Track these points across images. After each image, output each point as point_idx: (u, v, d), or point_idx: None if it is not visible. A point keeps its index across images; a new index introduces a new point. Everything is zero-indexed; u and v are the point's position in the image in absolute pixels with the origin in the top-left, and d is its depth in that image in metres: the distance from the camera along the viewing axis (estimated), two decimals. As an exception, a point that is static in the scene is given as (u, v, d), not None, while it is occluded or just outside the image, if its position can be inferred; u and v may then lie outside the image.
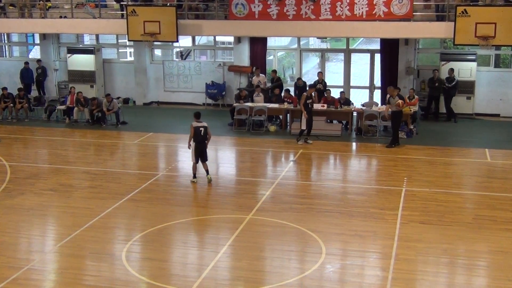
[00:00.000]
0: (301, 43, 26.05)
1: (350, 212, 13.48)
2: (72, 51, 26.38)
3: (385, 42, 23.19)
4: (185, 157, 18.62)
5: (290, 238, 12.18)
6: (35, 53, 29.61)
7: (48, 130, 21.88)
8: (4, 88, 23.75)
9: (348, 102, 21.44)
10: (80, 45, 27.64)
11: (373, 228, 12.53)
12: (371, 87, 24.50)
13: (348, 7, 21.54)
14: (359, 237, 12.11)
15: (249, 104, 21.78)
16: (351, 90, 24.71)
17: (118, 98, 25.12)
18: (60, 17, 25.24)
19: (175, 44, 25.92)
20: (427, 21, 21.58)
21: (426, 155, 18.10)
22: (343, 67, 25.13)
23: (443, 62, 22.82)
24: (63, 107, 23.30)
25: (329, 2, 21.66)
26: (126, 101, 26.28)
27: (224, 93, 25.29)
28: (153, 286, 10.20)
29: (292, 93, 23.00)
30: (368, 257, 11.33)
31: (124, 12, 23.59)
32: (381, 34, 22.22)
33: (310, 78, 27.81)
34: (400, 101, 18.59)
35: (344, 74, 24.92)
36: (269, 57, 25.68)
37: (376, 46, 24.64)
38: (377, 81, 24.34)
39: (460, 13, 20.18)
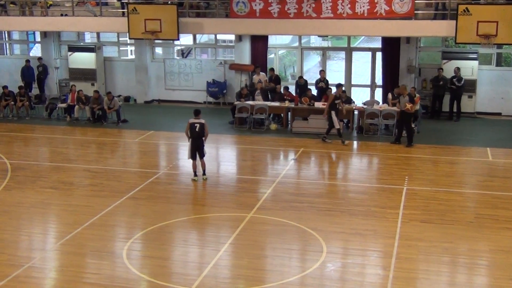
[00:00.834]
0: (302, 41, 26.01)
1: (351, 211, 13.46)
2: (73, 49, 26.35)
3: (386, 41, 23.16)
4: (186, 155, 18.62)
5: (291, 237, 12.17)
6: (36, 51, 29.59)
7: (49, 128, 21.88)
8: (5, 87, 23.76)
9: (349, 100, 21.41)
10: (81, 43, 27.61)
11: (374, 227, 12.52)
12: (372, 86, 24.46)
13: (349, 5, 21.50)
14: (360, 235, 12.09)
15: (250, 102, 21.76)
16: (352, 88, 24.69)
17: (119, 96, 25.12)
18: (61, 15, 25.23)
19: (176, 42, 25.91)
20: (429, 20, 21.54)
21: (427, 154, 18.07)
22: (344, 66, 25.09)
23: (444, 61, 22.78)
24: (64, 105, 23.29)
25: (330, 0, 21.62)
26: (127, 99, 26.27)
27: (225, 91, 25.28)
28: (154, 284, 10.20)
29: (293, 91, 23.00)
30: (369, 255, 11.32)
31: (125, 10, 23.55)
32: (382, 32, 22.18)
33: (311, 76, 27.82)
34: (409, 105, 18.46)
35: (345, 73, 24.89)
36: (270, 56, 25.65)
37: (378, 44, 24.62)
38: (379, 80, 24.30)
39: (461, 12, 20.13)
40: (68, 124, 22.49)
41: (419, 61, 23.90)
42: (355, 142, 19.75)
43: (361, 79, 27.67)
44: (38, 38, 28.43)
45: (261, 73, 23.40)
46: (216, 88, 25.13)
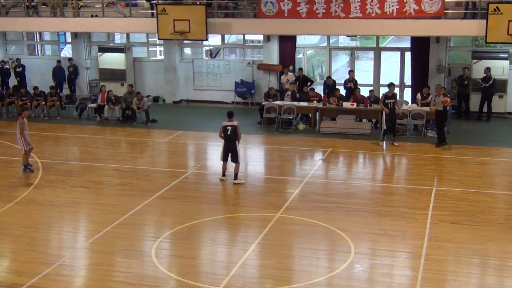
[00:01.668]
0: (331, 41, 25.91)
1: (380, 211, 13.40)
2: (103, 49, 26.62)
3: (415, 40, 22.97)
4: (215, 155, 18.69)
5: (319, 237, 12.15)
6: (66, 51, 29.95)
7: (79, 128, 22.14)
8: (36, 87, 24.10)
9: (377, 100, 21.27)
10: (111, 44, 27.87)
11: (403, 228, 12.44)
12: (401, 86, 24.28)
13: (378, 5, 21.37)
14: (389, 236, 12.03)
15: (278, 102, 21.77)
16: (381, 88, 24.52)
17: (148, 96, 25.29)
18: (91, 16, 25.49)
19: (205, 42, 26.01)
20: (459, 19, 21.31)
21: (457, 155, 17.90)
22: (373, 66, 24.95)
23: (474, 60, 22.53)
24: (94, 105, 23.54)
25: (359, 0, 21.51)
26: (156, 99, 26.44)
27: (253, 91, 25.31)
28: (182, 283, 10.26)
29: (321, 91, 22.94)
30: (398, 256, 11.25)
31: (154, 11, 23.72)
32: (411, 32, 22.01)
33: (339, 76, 27.73)
34: (446, 98, 18.34)
35: (374, 73, 24.75)
36: (298, 56, 25.60)
37: (407, 44, 24.42)
38: (408, 80, 24.12)
39: (492, 11, 19.88)
40: (98, 124, 22.73)
41: (449, 61, 23.66)
42: (384, 142, 19.61)
43: (389, 79, 27.42)
44: (69, 39, 28.77)
45: (289, 73, 23.38)
46: (244, 88, 25.18)
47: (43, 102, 23.74)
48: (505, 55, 22.35)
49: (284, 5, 22.34)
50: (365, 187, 15.44)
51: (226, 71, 25.88)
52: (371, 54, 26.59)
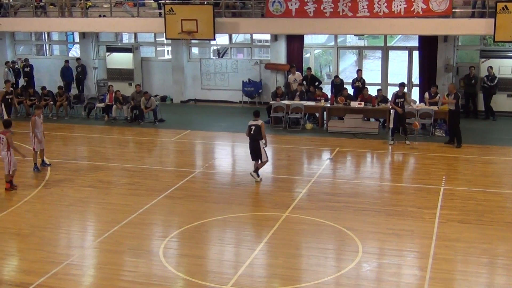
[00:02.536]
0: (338, 40, 25.89)
1: (388, 211, 13.37)
2: (111, 49, 26.70)
3: (423, 39, 22.91)
4: (222, 154, 18.75)
5: (327, 236, 12.14)
6: (75, 51, 30.04)
7: (87, 128, 22.21)
8: (43, 87, 24.19)
9: (385, 100, 21.22)
10: (119, 44, 27.95)
11: (411, 227, 12.41)
12: (409, 85, 24.21)
13: (386, 4, 21.33)
14: (397, 236, 12.01)
15: (286, 101, 21.76)
16: (389, 87, 24.46)
17: (155, 96, 25.34)
18: (99, 16, 25.58)
19: (212, 42, 26.03)
20: (467, 18, 21.25)
21: (465, 154, 17.84)
22: (380, 65, 24.92)
23: (482, 59, 22.46)
24: (102, 104, 23.61)
25: (366, -1, 21.52)
26: (163, 99, 26.49)
27: (260, 91, 25.31)
28: (190, 282, 10.28)
29: (329, 91, 22.91)
30: (406, 256, 11.22)
31: (162, 10, 23.78)
32: (419, 31, 21.97)
33: (347, 75, 27.70)
34: (450, 100, 18.34)
35: (381, 72, 24.71)
36: (306, 55, 25.59)
37: (415, 43, 24.36)
38: (415, 79, 24.06)
39: (500, 10, 19.81)
40: (106, 123, 22.79)
41: (457, 60, 23.59)
42: (391, 142, 19.55)
43: (397, 78, 27.39)
44: (77, 39, 28.86)
45: (296, 72, 23.37)
46: (252, 88, 25.19)
47: (51, 102, 23.82)
48: (514, 54, 22.29)
49: (291, 4, 22.33)
50: (373, 187, 15.41)
51: (233, 71, 25.90)
52: (378, 53, 26.56)
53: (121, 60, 26.44)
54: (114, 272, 10.70)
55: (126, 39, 30.32)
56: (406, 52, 24.84)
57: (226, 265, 11.04)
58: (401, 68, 26.15)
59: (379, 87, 22.59)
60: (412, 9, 21.15)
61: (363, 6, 21.56)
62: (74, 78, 26.89)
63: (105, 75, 27.16)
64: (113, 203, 14.15)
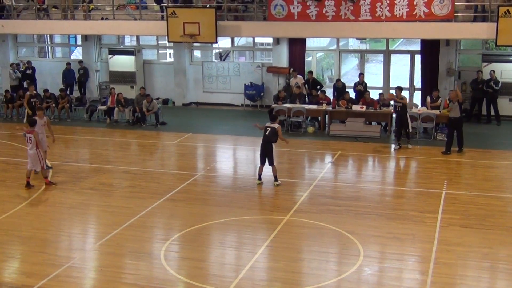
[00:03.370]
0: (340, 44, 25.92)
1: (389, 215, 13.36)
2: (113, 52, 26.75)
3: (425, 43, 22.92)
4: (224, 157, 18.76)
5: (328, 240, 12.14)
6: (77, 54, 30.09)
7: (89, 130, 22.23)
8: (46, 90, 24.21)
9: (387, 103, 21.24)
10: (121, 46, 28.00)
11: (412, 231, 12.40)
12: (411, 89, 24.23)
13: (388, 8, 21.35)
14: (398, 240, 12.00)
15: (288, 105, 21.77)
16: (391, 91, 24.42)
17: (157, 98, 25.36)
18: (102, 18, 25.61)
19: (214, 45, 26.05)
20: (469, 22, 21.25)
21: (467, 158, 17.83)
22: (382, 68, 24.92)
23: (485, 64, 22.45)
24: (104, 107, 23.64)
25: (368, 3, 21.50)
26: (165, 101, 26.51)
27: (262, 94, 25.32)
28: (191, 285, 10.27)
29: (330, 94, 22.92)
30: (407, 260, 11.21)
31: (164, 13, 23.82)
32: (421, 35, 21.98)
33: (349, 79, 27.69)
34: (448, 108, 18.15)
35: (383, 75, 24.71)
36: (308, 58, 25.61)
37: (417, 47, 24.37)
38: (417, 83, 24.06)
39: (502, 14, 19.82)
40: (107, 126, 22.81)
41: (459, 64, 23.58)
42: (392, 145, 19.56)
43: (399, 82, 27.40)
44: (79, 42, 28.93)
45: (298, 76, 23.37)
46: (254, 91, 25.21)
47: (53, 104, 23.84)
48: (516, 58, 22.28)
49: (293, 8, 22.36)
50: (374, 190, 15.40)
51: (235, 74, 25.91)
52: (380, 57, 26.55)
53: (123, 63, 26.48)
54: (115, 275, 10.70)
55: (128, 42, 30.37)
56: (408, 56, 24.85)
57: (227, 268, 11.04)
58: (403, 72, 26.14)
59: (381, 91, 22.62)
60: (414, 13, 21.16)
61: (365, 9, 21.58)
62: (76, 80, 26.92)
63: (107, 78, 27.19)
64: (114, 206, 14.16)
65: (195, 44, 25.55)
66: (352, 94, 22.46)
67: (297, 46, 24.37)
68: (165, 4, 24.31)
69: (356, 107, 20.79)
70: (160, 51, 28.51)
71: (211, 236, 12.53)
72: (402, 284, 10.32)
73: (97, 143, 20.61)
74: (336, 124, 21.06)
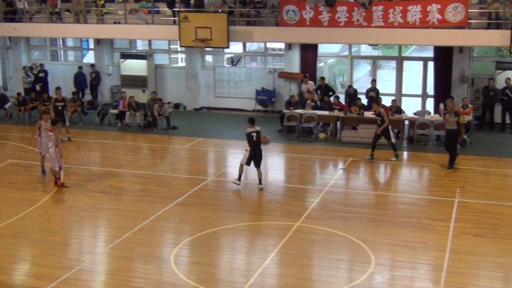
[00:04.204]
0: (353, 50, 25.84)
1: (401, 222, 13.26)
2: (125, 56, 26.79)
3: (438, 50, 22.79)
4: (235, 162, 18.67)
5: (339, 247, 12.06)
6: (89, 57, 30.18)
7: (101, 134, 22.26)
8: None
9: (399, 110, 21.13)
10: (133, 51, 28.04)
11: (424, 239, 12.30)
12: (424, 96, 24.11)
13: (400, 14, 21.24)
14: (410, 248, 11.90)
15: (299, 110, 21.71)
16: (403, 98, 24.35)
17: (169, 103, 25.37)
18: (114, 22, 25.68)
19: (226, 50, 26.04)
20: (482, 29, 21.12)
21: (480, 166, 17.69)
22: (395, 75, 24.81)
23: (498, 71, 22.31)
24: (115, 111, 23.66)
25: (381, 9, 21.41)
26: (177, 106, 26.51)
27: (273, 99, 25.28)
28: (201, 290, 10.23)
29: (342, 100, 22.84)
30: (419, 268, 11.12)
31: (176, 18, 23.83)
32: (434, 41, 21.84)
33: (361, 85, 27.59)
34: (452, 119, 17.40)
35: (396, 82, 24.60)
36: (320, 64, 25.56)
37: (429, 53, 24.24)
38: (430, 90, 23.94)
39: (517, 21, 19.70)
40: (119, 129, 22.84)
41: (472, 71, 23.44)
42: (405, 153, 19.46)
43: (412, 88, 27.31)
44: (91, 45, 29.01)
45: (309, 81, 23.31)
46: (265, 96, 25.17)
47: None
48: (530, 66, 22.10)
49: (306, 13, 22.30)
50: (386, 197, 15.31)
51: (247, 79, 25.89)
52: (393, 63, 26.44)
53: (135, 67, 26.52)
54: (125, 279, 10.68)
55: (140, 46, 30.41)
56: (421, 62, 24.72)
57: (237, 274, 10.98)
58: (416, 79, 26.02)
59: (394, 98, 22.50)
60: (427, 20, 21.03)
61: (378, 16, 21.48)
62: (88, 84, 27.00)
63: (119, 82, 27.23)
64: (125, 210, 14.14)
65: (206, 49, 25.55)
66: (364, 101, 22.36)
67: (309, 52, 24.32)
68: (177, 9, 24.33)
69: (368, 114, 20.68)
70: (171, 56, 28.52)
71: (221, 241, 12.49)
72: (413, 293, 10.24)
73: (108, 147, 20.63)
74: (348, 130, 20.97)
